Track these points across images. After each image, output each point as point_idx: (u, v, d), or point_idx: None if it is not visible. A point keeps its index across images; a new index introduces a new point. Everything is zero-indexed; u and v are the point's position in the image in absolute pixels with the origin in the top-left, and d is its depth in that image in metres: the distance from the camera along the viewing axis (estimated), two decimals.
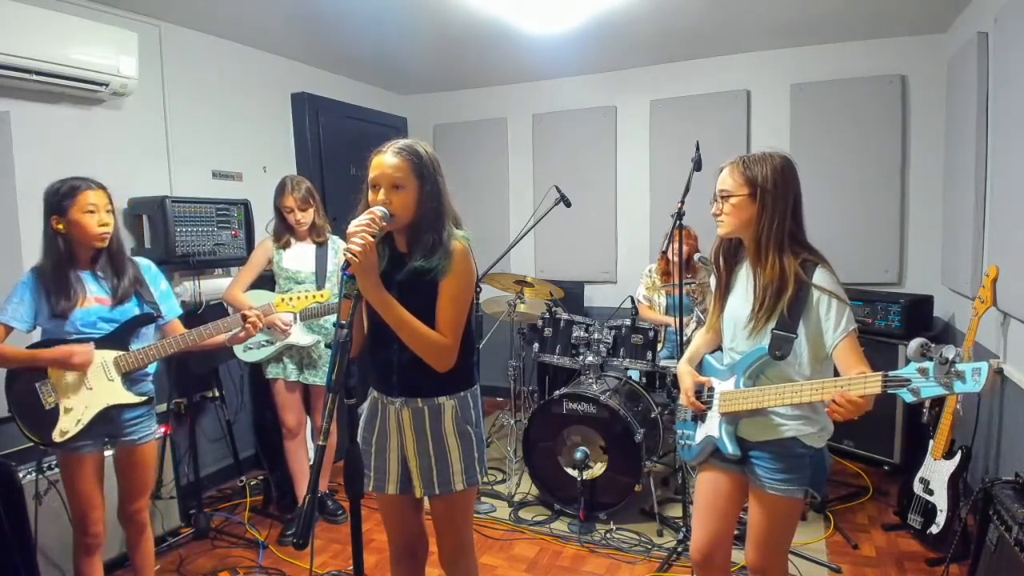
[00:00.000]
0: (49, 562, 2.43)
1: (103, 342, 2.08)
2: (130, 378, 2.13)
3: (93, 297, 2.10)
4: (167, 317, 2.28)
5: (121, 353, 2.10)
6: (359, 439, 1.84)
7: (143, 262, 2.28)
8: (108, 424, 2.11)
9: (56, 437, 2.01)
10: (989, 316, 2.69)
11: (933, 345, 1.38)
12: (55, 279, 2.04)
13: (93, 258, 2.13)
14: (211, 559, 2.90)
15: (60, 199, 2.03)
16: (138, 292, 2.18)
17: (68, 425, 2.02)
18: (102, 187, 2.09)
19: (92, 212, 2.04)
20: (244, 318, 2.24)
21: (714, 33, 3.91)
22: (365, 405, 1.86)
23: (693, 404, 1.88)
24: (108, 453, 2.19)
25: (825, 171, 4.05)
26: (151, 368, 2.22)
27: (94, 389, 2.05)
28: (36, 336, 2.11)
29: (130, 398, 2.11)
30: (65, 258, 2.06)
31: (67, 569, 2.46)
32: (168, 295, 2.32)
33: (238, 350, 2.98)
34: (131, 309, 2.16)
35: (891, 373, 1.43)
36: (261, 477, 3.53)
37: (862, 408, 1.48)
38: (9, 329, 2.02)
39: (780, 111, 4.27)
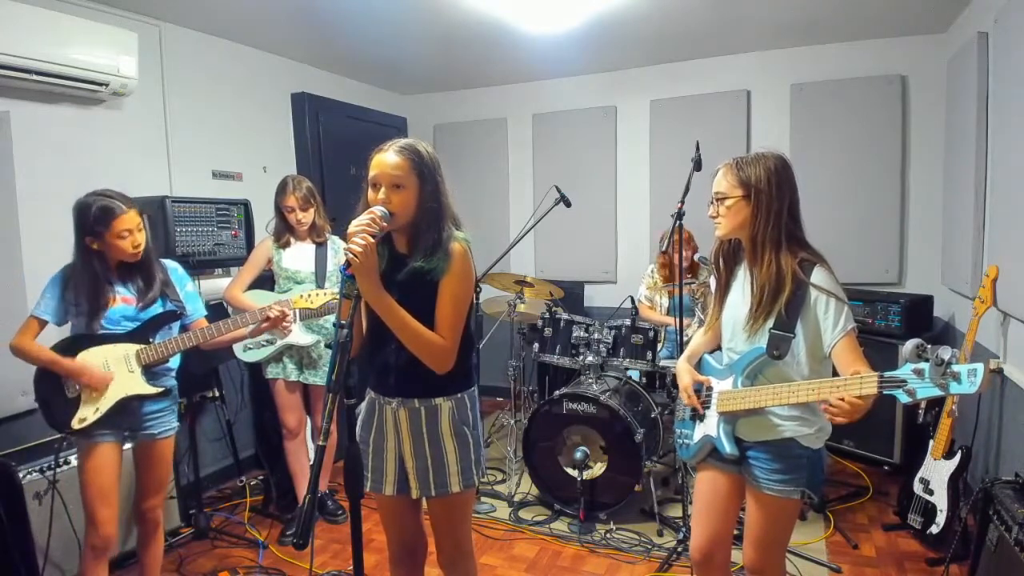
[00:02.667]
0: (49, 562, 2.42)
1: (126, 338, 2.15)
2: (151, 372, 2.18)
3: (120, 297, 2.16)
4: (192, 317, 2.34)
5: (143, 346, 2.15)
6: (357, 439, 1.83)
7: (171, 264, 2.34)
8: (129, 416, 2.15)
9: (75, 424, 2.06)
10: (989, 316, 2.70)
11: (929, 346, 1.37)
12: (88, 285, 2.09)
13: (125, 265, 2.17)
14: (211, 559, 2.90)
15: (94, 223, 2.03)
16: (164, 293, 2.24)
17: (87, 413, 2.07)
18: (132, 206, 2.09)
19: (125, 237, 2.07)
20: (266, 311, 2.30)
21: (714, 33, 3.91)
22: (363, 405, 1.86)
23: (692, 401, 1.88)
24: (127, 447, 2.22)
25: (825, 171, 4.05)
26: (173, 363, 2.28)
27: (115, 379, 2.10)
28: (67, 330, 2.16)
29: (148, 389, 2.16)
30: (99, 269, 2.11)
31: (67, 569, 2.46)
32: (194, 296, 2.37)
33: (238, 350, 2.99)
34: (155, 308, 2.22)
35: (887, 374, 1.43)
36: (261, 477, 3.54)
37: (861, 409, 1.47)
38: (43, 323, 2.10)
39: (780, 111, 4.27)
